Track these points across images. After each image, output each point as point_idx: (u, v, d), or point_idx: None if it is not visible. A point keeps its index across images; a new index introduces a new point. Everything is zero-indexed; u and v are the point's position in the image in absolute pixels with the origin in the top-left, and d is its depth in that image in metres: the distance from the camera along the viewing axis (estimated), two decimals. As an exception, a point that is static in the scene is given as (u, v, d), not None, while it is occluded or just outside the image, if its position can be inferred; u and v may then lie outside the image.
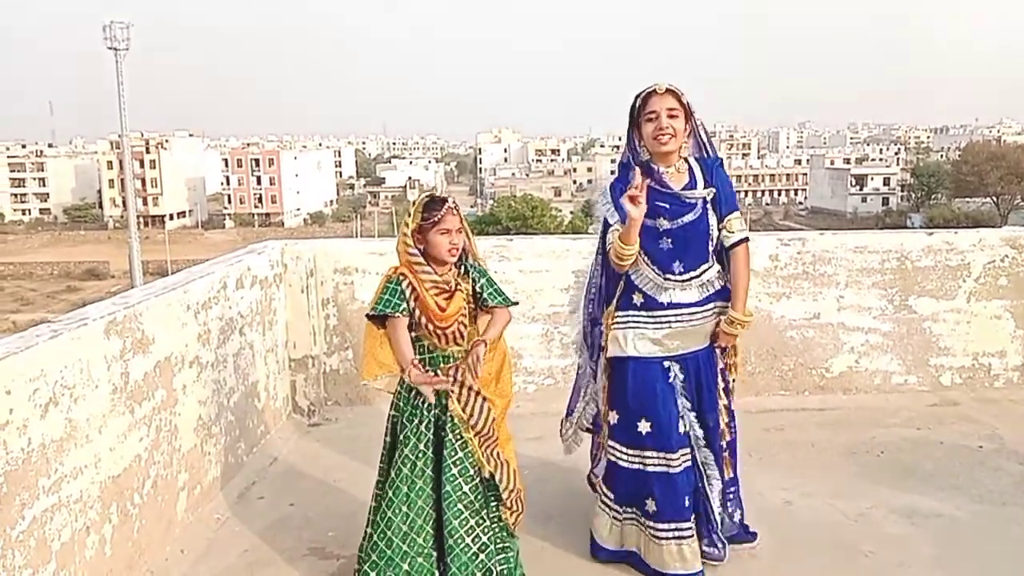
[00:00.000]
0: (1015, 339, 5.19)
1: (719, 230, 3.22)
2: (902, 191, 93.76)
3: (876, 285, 5.13)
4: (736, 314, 3.19)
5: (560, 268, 5.04)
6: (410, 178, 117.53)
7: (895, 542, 3.46)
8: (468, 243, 3.02)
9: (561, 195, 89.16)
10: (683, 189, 3.16)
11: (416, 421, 2.94)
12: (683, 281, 3.16)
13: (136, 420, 3.23)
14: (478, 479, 2.96)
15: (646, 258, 3.16)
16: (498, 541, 3.03)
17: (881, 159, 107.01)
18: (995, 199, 73.97)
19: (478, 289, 3.02)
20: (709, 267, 3.21)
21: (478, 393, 2.94)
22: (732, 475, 3.37)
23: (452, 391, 2.91)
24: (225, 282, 4.14)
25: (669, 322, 3.19)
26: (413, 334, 2.95)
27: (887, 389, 5.20)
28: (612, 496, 3.32)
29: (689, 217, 3.14)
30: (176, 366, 3.57)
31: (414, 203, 2.98)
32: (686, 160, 3.22)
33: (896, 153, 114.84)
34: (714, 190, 3.19)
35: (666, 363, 3.19)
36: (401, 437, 2.96)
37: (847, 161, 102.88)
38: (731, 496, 3.37)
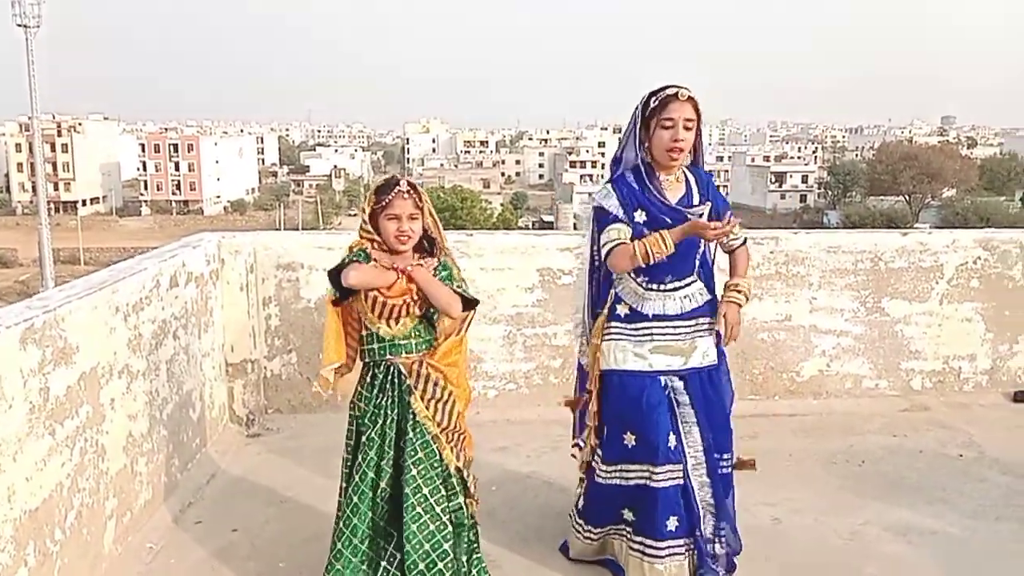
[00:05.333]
0: (985, 342, 5.09)
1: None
2: (819, 189, 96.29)
3: (849, 287, 4.95)
4: (738, 279, 3.12)
5: (524, 266, 4.71)
6: (335, 167, 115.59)
7: (895, 563, 3.25)
8: (436, 234, 2.79)
9: (490, 187, 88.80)
10: (680, 201, 3.00)
11: (381, 421, 2.75)
12: (666, 292, 3.00)
13: (58, 442, 2.77)
14: (439, 480, 2.76)
15: (634, 272, 3.00)
16: (462, 541, 2.87)
17: (799, 157, 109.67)
18: (907, 198, 76.46)
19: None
20: (693, 281, 3.07)
21: (443, 388, 2.77)
22: (724, 513, 3.10)
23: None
24: (158, 280, 3.68)
25: (652, 335, 3.01)
26: (366, 331, 2.76)
27: (857, 393, 5.05)
28: (586, 520, 3.17)
29: None
30: (103, 377, 3.11)
31: (372, 185, 2.83)
32: (683, 169, 3.05)
33: (814, 152, 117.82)
34: (709, 204, 3.05)
35: (654, 377, 3.00)
36: (364, 439, 2.76)
37: (767, 159, 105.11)
38: (722, 529, 3.09)
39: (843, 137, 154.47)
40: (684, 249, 2.95)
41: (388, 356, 2.75)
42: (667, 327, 3.01)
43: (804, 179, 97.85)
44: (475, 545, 2.93)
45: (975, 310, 5.06)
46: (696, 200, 3.01)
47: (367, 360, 2.79)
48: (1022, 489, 3.91)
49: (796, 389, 5.01)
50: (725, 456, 3.09)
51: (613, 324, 3.04)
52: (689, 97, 2.89)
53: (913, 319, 5.02)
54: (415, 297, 2.71)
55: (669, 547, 2.96)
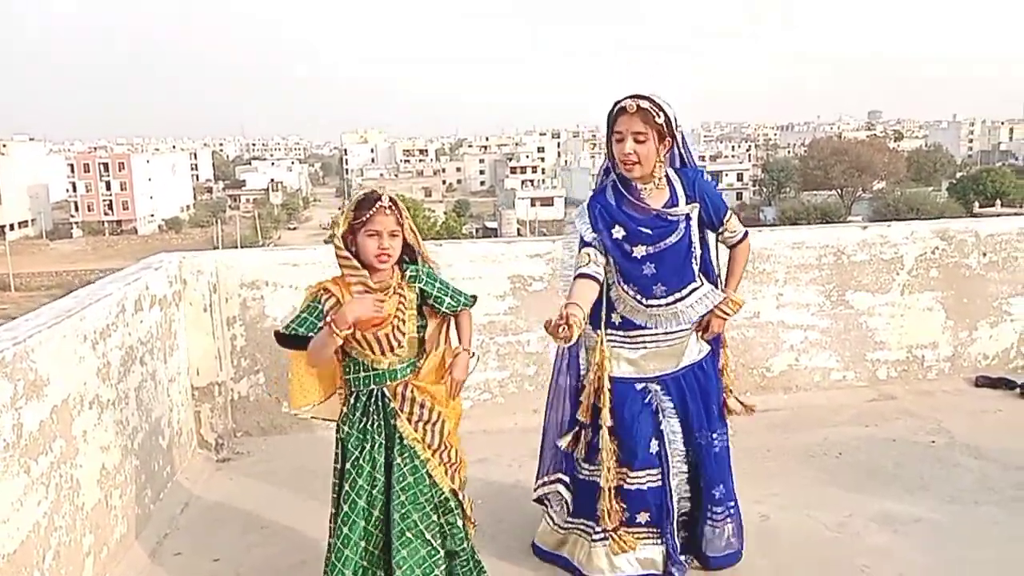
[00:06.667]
0: (946, 330, 5.21)
1: (720, 234, 3.10)
2: (755, 186, 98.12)
3: (814, 281, 5.02)
4: (731, 292, 3.11)
5: (495, 274, 4.67)
6: (272, 180, 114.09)
7: (885, 553, 3.29)
8: (417, 245, 2.71)
9: (432, 195, 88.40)
10: (664, 206, 2.96)
11: (368, 446, 2.64)
12: (667, 305, 2.96)
13: (33, 480, 2.64)
14: (429, 507, 2.68)
15: (625, 285, 2.96)
16: (458, 567, 2.78)
17: (734, 156, 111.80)
18: (840, 191, 78.43)
19: (434, 297, 2.71)
20: (697, 287, 3.02)
21: (431, 409, 2.68)
22: (725, 490, 3.16)
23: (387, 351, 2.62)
24: (123, 305, 3.55)
25: (645, 343, 3.00)
26: (350, 360, 2.64)
27: (826, 386, 5.12)
28: (567, 513, 3.19)
29: (672, 239, 2.94)
30: (75, 409, 2.98)
31: (351, 200, 2.70)
32: (665, 176, 2.99)
33: (747, 150, 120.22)
34: (697, 205, 3.00)
35: (640, 385, 3.01)
36: (349, 465, 2.65)
37: (703, 158, 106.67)
38: (725, 513, 3.15)
39: (775, 135, 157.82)
40: (672, 262, 2.94)
41: (372, 385, 2.65)
42: (659, 335, 3.00)
43: (739, 177, 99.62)
44: (482, 567, 2.87)
45: (935, 299, 5.17)
46: (682, 202, 2.97)
47: (352, 389, 2.68)
48: (994, 473, 3.99)
49: (767, 385, 5.05)
50: (718, 432, 3.12)
51: (608, 331, 3.01)
52: (639, 108, 2.83)
53: (876, 310, 5.11)
54: (401, 328, 2.61)
55: (639, 533, 3.03)
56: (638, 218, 2.92)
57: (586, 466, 3.13)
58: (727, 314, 3.09)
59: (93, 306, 3.24)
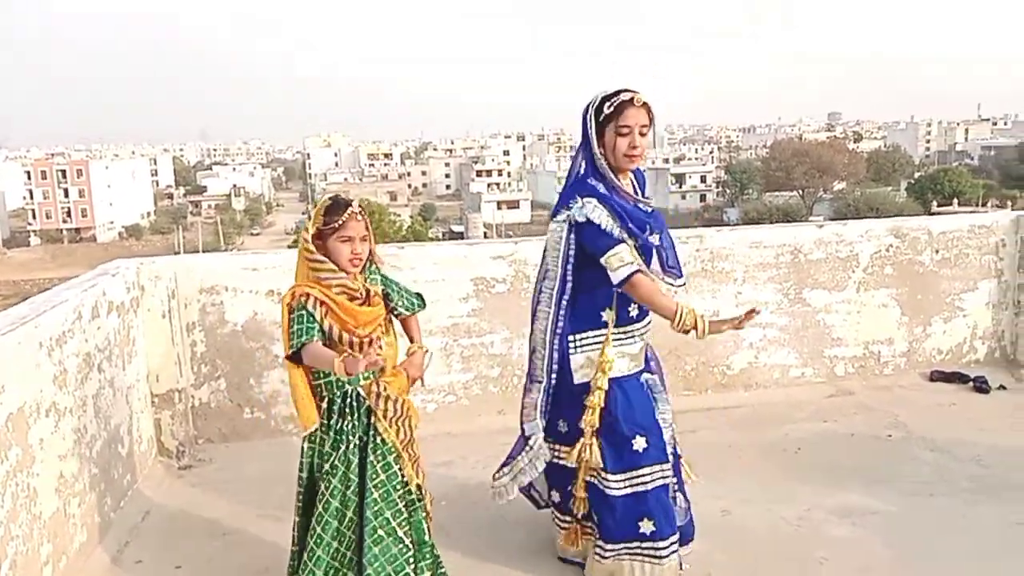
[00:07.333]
0: (901, 326, 5.31)
1: None
2: (718, 188, 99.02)
3: (772, 280, 5.10)
4: None
5: (458, 277, 4.68)
6: (235, 185, 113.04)
7: (845, 545, 3.35)
8: (373, 247, 2.79)
9: (397, 199, 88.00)
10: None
11: (343, 448, 2.68)
12: (680, 287, 3.08)
13: (-13, 490, 2.61)
14: (401, 503, 2.74)
15: (665, 275, 3.03)
16: (424, 559, 2.83)
17: (697, 158, 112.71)
18: (801, 192, 79.47)
19: (396, 300, 2.87)
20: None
21: (402, 404, 2.76)
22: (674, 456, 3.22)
23: (379, 399, 2.71)
24: (79, 311, 3.50)
25: (642, 334, 3.06)
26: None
27: (785, 383, 5.19)
28: (603, 537, 3.03)
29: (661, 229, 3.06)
30: (31, 417, 2.94)
31: (316, 205, 2.76)
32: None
33: (710, 152, 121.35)
34: (652, 199, 3.14)
35: (643, 376, 3.08)
36: (328, 467, 2.69)
37: (666, 161, 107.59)
38: (678, 485, 3.21)
39: (737, 136, 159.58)
40: (669, 247, 3.02)
41: (348, 387, 2.70)
42: (647, 324, 3.07)
43: (703, 179, 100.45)
44: (439, 561, 2.90)
45: (890, 296, 5.28)
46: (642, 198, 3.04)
47: (325, 393, 2.71)
48: (950, 465, 4.08)
49: (727, 383, 5.12)
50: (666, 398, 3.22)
51: (602, 332, 2.99)
52: (644, 103, 2.86)
53: (833, 307, 5.20)
54: (382, 328, 2.73)
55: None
56: (639, 211, 2.96)
57: (616, 478, 2.95)
58: None
59: (49, 313, 3.20)
